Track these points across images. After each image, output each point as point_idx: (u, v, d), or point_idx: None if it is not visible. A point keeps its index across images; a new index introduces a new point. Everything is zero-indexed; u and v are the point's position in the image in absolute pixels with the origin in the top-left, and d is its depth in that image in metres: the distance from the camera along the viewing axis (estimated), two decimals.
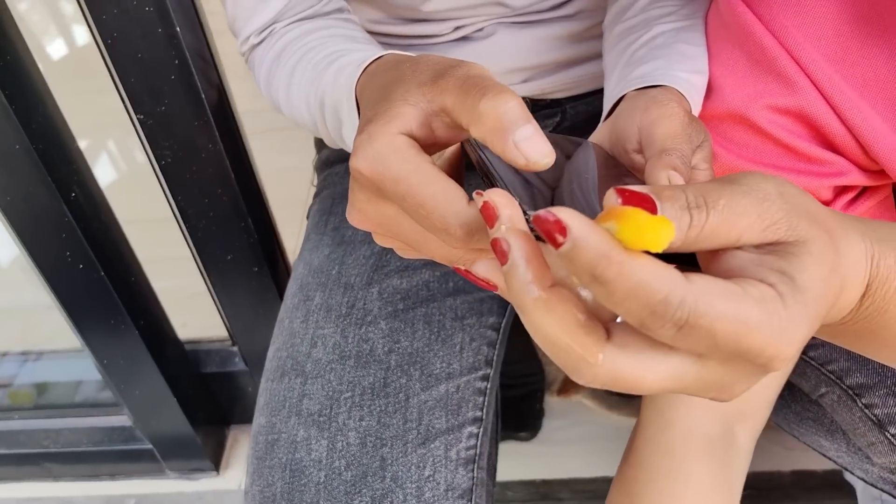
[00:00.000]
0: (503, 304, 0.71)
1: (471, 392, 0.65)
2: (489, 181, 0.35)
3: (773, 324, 0.26)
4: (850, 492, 1.01)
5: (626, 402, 1.15)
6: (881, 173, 0.53)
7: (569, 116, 0.75)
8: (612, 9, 0.65)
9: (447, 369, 0.65)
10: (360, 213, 0.38)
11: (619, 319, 0.29)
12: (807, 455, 1.07)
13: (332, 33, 0.61)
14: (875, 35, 0.49)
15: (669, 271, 0.26)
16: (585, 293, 0.30)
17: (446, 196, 0.33)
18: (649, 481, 0.61)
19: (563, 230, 0.26)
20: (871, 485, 0.72)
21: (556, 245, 0.26)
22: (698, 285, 0.26)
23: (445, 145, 0.37)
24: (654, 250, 0.26)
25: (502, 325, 0.71)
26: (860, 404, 0.63)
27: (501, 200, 0.30)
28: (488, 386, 0.67)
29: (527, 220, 0.30)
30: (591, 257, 0.25)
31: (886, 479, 0.69)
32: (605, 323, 0.29)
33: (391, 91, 0.36)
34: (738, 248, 0.29)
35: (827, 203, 0.54)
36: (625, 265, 0.25)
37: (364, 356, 0.64)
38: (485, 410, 0.66)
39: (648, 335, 0.27)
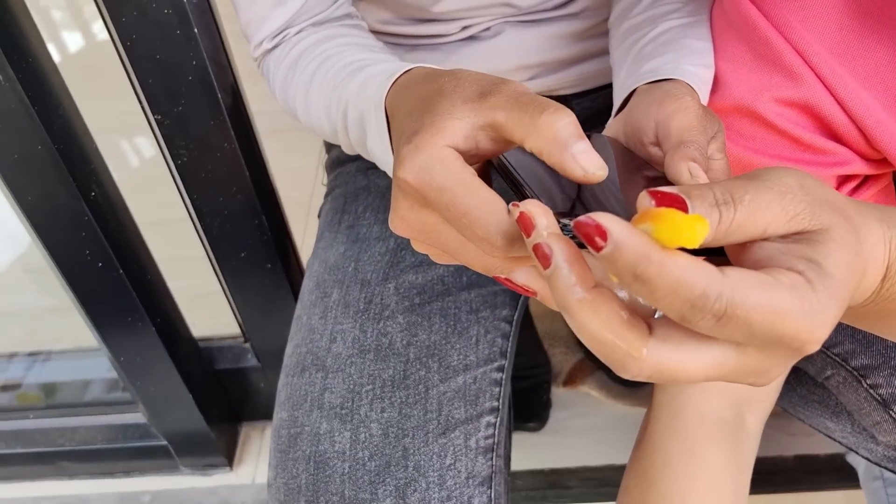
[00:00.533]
0: (515, 298, 0.73)
1: (487, 383, 0.67)
2: (519, 193, 0.37)
3: (804, 309, 0.28)
4: (850, 474, 1.03)
5: (631, 391, 1.17)
6: (882, 162, 0.55)
7: (575, 112, 0.77)
8: (616, 6, 0.67)
9: (464, 361, 0.66)
10: (403, 220, 0.39)
11: (657, 315, 0.31)
12: (810, 440, 1.09)
13: (348, 41, 0.63)
14: (875, 28, 0.50)
15: (706, 267, 0.28)
16: (623, 293, 0.31)
17: (489, 207, 0.34)
18: (665, 465, 0.63)
19: (603, 234, 0.27)
20: (876, 463, 0.73)
21: (598, 248, 0.28)
22: (733, 278, 0.28)
23: (485, 159, 0.39)
24: (690, 246, 0.28)
25: (515, 317, 0.73)
26: (865, 385, 0.65)
27: (536, 210, 0.32)
28: (503, 377, 0.69)
29: (561, 227, 0.32)
30: (633, 258, 0.27)
31: (891, 458, 0.70)
32: (645, 319, 0.30)
33: (435, 104, 0.38)
34: (766, 239, 0.31)
35: None
36: (664, 264, 0.27)
37: (383, 350, 0.66)
38: (501, 401, 0.68)
39: (688, 328, 0.29)
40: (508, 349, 0.71)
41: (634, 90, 0.54)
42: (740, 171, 0.55)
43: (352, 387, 0.65)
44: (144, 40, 0.75)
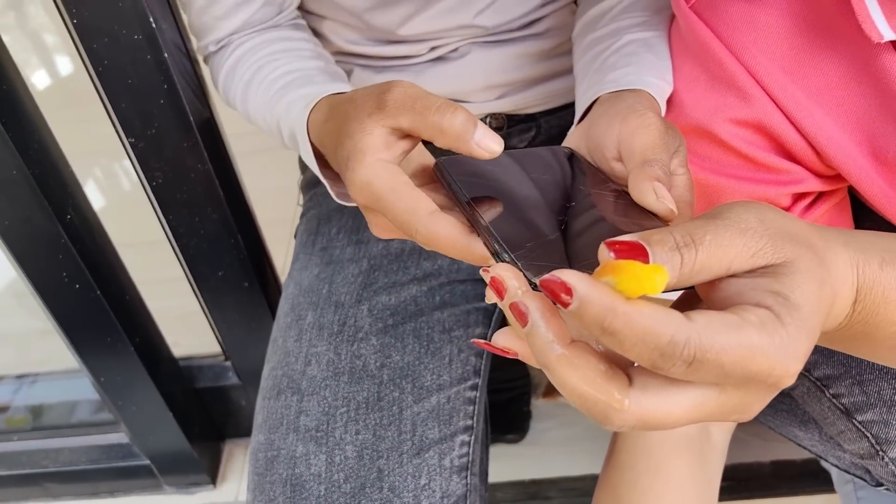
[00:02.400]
0: (488, 315, 0.74)
1: (461, 402, 0.68)
2: (455, 199, 0.42)
3: (774, 344, 0.28)
4: (827, 479, 1.04)
5: None
6: (835, 178, 0.56)
7: (543, 130, 0.78)
8: (580, 21, 0.68)
9: (437, 381, 0.67)
10: (377, 227, 0.47)
11: (636, 363, 0.32)
12: (785, 446, 1.09)
13: (279, 49, 0.66)
14: (826, 46, 0.51)
15: (671, 314, 0.28)
16: (600, 345, 0.32)
17: (409, 207, 0.41)
18: (632, 481, 0.63)
19: (568, 291, 0.28)
20: (845, 470, 0.74)
21: (565, 305, 0.28)
22: (700, 322, 0.28)
23: (409, 150, 0.45)
24: (652, 294, 0.28)
25: (488, 335, 0.73)
26: (828, 395, 0.66)
27: (506, 273, 0.33)
28: (477, 395, 0.70)
29: (531, 284, 0.33)
30: (599, 312, 0.28)
31: (858, 465, 0.72)
32: (624, 368, 0.31)
33: (348, 129, 0.44)
34: (732, 275, 0.31)
35: (785, 210, 0.56)
36: (630, 315, 0.28)
37: (357, 372, 0.67)
38: (475, 419, 0.68)
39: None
40: (482, 367, 0.71)
41: (596, 100, 0.55)
42: (699, 192, 0.56)
43: (327, 409, 0.65)
44: (116, 66, 0.76)
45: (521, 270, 0.34)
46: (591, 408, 0.30)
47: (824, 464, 1.03)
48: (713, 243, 0.30)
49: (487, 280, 0.34)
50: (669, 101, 0.58)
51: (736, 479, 1.07)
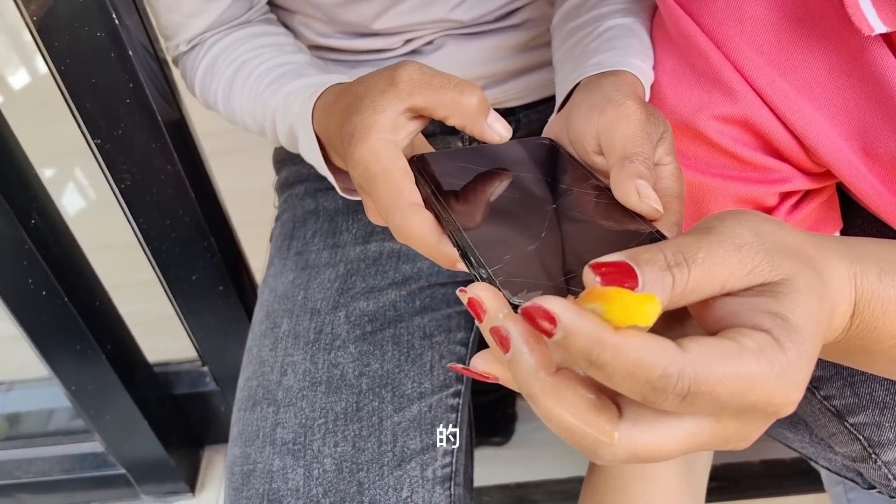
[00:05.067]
0: (470, 319, 0.72)
1: (443, 410, 0.66)
2: (427, 198, 0.41)
3: (774, 373, 0.26)
4: (817, 478, 1.03)
5: None
6: (825, 175, 0.54)
7: (523, 125, 0.76)
8: (559, 11, 0.66)
9: (418, 389, 0.65)
10: (370, 210, 0.45)
11: None
12: (775, 445, 1.08)
13: (262, 43, 0.64)
14: (814, 39, 0.50)
15: (664, 345, 0.26)
16: None
17: (394, 192, 0.40)
18: (619, 489, 0.62)
19: (552, 319, 0.26)
20: (836, 473, 0.73)
21: (549, 335, 0.26)
22: (695, 353, 0.26)
23: (415, 132, 0.44)
24: (642, 325, 0.26)
25: (470, 339, 0.71)
26: (819, 396, 0.64)
27: (484, 294, 0.31)
28: (460, 402, 0.68)
29: (513, 306, 0.31)
30: (585, 343, 0.26)
31: (849, 468, 0.70)
32: (612, 397, 0.29)
33: (358, 107, 0.43)
34: (727, 294, 0.29)
35: (772, 209, 0.55)
36: (619, 347, 0.25)
37: (335, 381, 0.64)
38: (458, 427, 0.66)
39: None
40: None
41: (577, 85, 0.53)
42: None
43: (304, 421, 0.63)
44: (79, 65, 0.73)
45: (499, 289, 0.31)
46: (578, 441, 0.28)
47: (815, 465, 1.03)
48: (707, 261, 0.28)
49: (464, 301, 0.31)
50: (652, 98, 0.56)
51: (726, 478, 1.06)
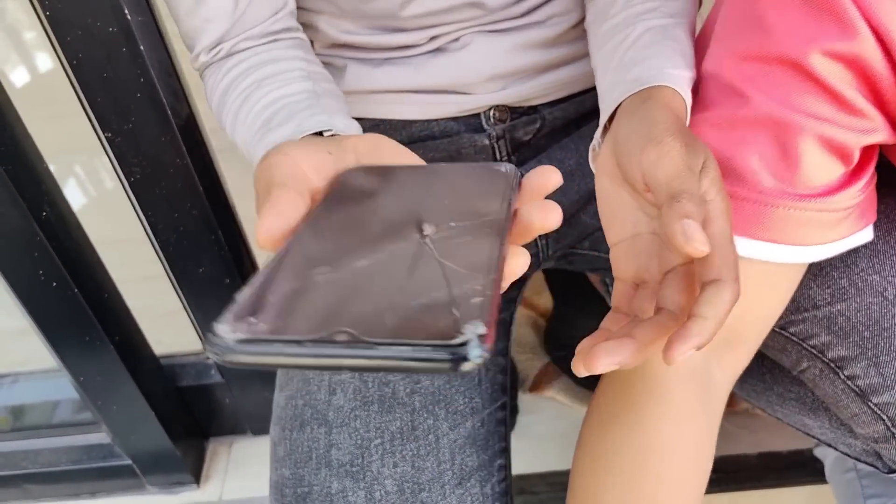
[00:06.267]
0: (506, 330, 0.72)
1: (494, 424, 0.66)
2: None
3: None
4: (814, 469, 1.05)
5: None
6: None
7: (547, 122, 0.75)
8: (591, 7, 0.65)
9: (470, 404, 0.65)
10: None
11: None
12: (772, 437, 1.10)
13: (267, 75, 0.60)
14: None
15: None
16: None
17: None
18: (626, 408, 0.58)
19: None
20: (855, 458, 0.72)
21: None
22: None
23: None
24: None
25: (509, 349, 0.71)
26: (842, 377, 0.64)
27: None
28: (507, 414, 0.67)
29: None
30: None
31: (869, 451, 0.70)
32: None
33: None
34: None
35: (848, 174, 0.54)
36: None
37: (387, 400, 0.63)
38: (508, 440, 0.66)
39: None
40: (507, 383, 0.69)
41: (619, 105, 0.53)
42: (768, 126, 0.52)
43: (359, 442, 0.62)
44: (90, 59, 0.75)
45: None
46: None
47: (818, 452, 1.04)
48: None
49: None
50: (756, 28, 0.53)
51: (723, 470, 1.07)
